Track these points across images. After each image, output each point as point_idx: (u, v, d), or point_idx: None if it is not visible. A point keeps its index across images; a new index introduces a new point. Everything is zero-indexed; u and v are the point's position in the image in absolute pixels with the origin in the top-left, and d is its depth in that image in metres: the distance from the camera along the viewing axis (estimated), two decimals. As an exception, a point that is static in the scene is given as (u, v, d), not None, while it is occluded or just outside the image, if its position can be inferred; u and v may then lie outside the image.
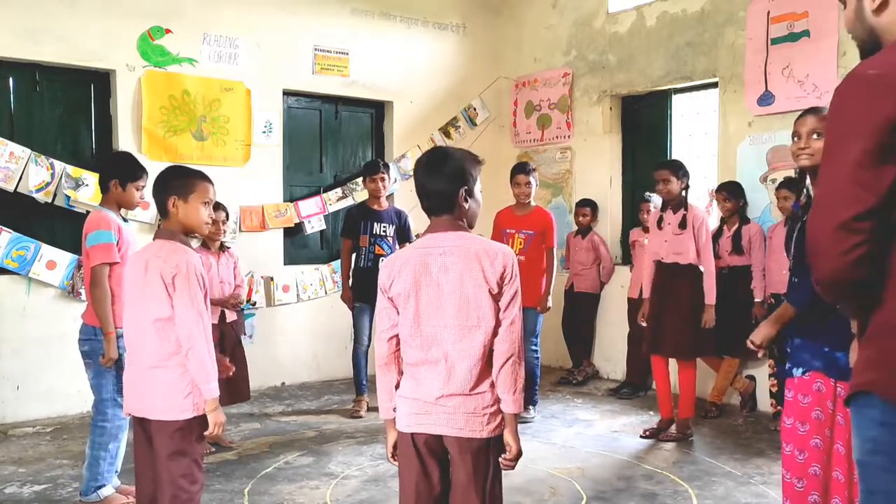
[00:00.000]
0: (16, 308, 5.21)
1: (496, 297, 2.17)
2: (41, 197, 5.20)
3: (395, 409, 2.26)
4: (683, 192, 4.76)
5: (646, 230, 6.01)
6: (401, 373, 2.27)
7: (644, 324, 4.88)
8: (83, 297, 5.32)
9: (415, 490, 2.21)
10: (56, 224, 5.42)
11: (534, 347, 5.15)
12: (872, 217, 1.52)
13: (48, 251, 5.24)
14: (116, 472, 3.66)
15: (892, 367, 1.56)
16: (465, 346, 2.16)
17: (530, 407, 5.22)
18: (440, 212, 2.24)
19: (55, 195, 5.25)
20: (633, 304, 5.99)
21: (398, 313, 2.23)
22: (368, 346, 5.33)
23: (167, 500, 2.56)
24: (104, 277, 3.44)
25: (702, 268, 4.70)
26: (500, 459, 2.22)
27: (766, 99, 5.46)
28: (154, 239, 2.69)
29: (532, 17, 7.35)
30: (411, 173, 6.85)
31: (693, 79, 6.02)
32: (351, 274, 5.46)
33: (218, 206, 4.17)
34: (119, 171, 3.57)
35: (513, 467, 2.23)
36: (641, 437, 4.85)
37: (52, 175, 5.23)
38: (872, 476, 1.62)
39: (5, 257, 5.11)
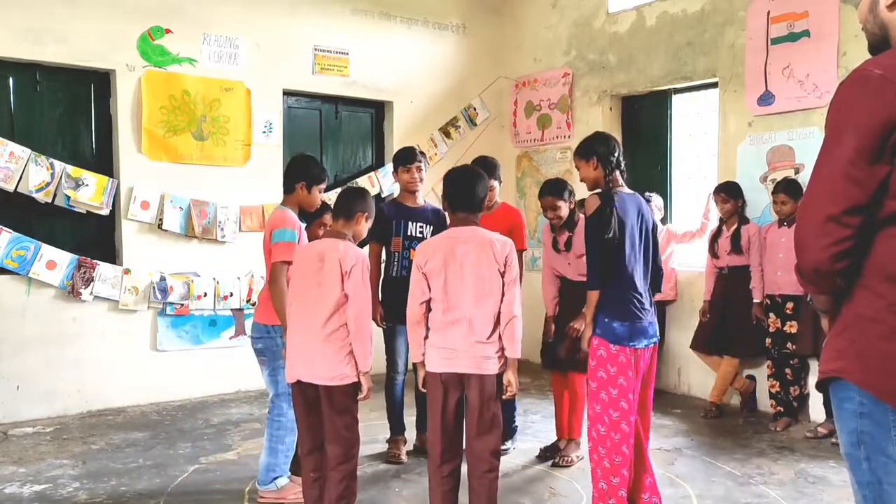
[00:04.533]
0: (16, 308, 5.21)
1: (502, 274, 2.99)
2: (41, 197, 5.20)
3: (423, 354, 3.07)
4: (570, 212, 4.31)
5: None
6: (428, 328, 3.06)
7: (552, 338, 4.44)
8: (83, 296, 5.35)
9: (441, 412, 3.03)
10: (56, 224, 5.42)
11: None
12: (861, 213, 1.56)
13: (48, 251, 5.24)
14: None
15: (862, 355, 1.62)
16: (480, 308, 2.98)
17: (507, 441, 4.52)
18: (467, 211, 3.08)
19: (55, 195, 5.25)
20: None
21: (429, 286, 3.02)
22: (406, 374, 4.50)
23: (337, 447, 3.10)
24: (283, 275, 3.51)
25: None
26: (504, 396, 3.04)
27: (766, 99, 5.46)
28: (324, 237, 3.27)
29: (532, 17, 7.35)
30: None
31: (693, 79, 6.02)
32: (380, 284, 4.52)
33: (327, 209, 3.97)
34: (307, 175, 3.70)
35: (514, 396, 3.12)
36: (537, 457, 4.43)
37: (52, 175, 5.23)
38: (859, 468, 1.66)
39: (5, 257, 5.11)
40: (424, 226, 4.42)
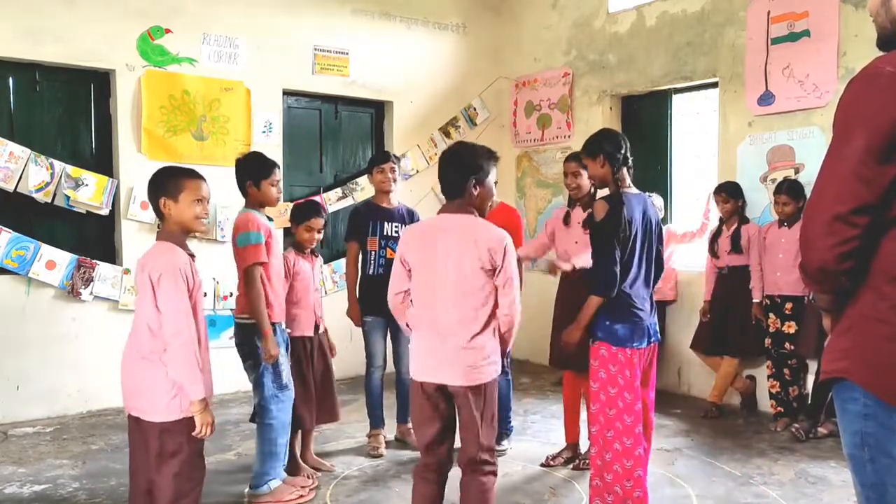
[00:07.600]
0: (16, 308, 5.21)
1: (490, 273, 2.65)
2: (41, 197, 5.20)
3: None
4: (593, 189, 4.24)
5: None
6: (407, 323, 2.81)
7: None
8: (83, 296, 5.35)
9: (424, 424, 2.73)
10: (56, 224, 5.42)
11: (504, 369, 3.80)
12: (869, 213, 1.53)
13: (48, 251, 5.24)
14: (284, 465, 3.76)
15: (867, 356, 1.60)
16: (459, 309, 2.65)
17: (503, 441, 4.51)
18: (453, 196, 2.73)
19: (55, 195, 5.25)
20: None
21: (409, 278, 2.73)
22: (385, 368, 4.63)
23: (164, 500, 2.58)
24: (257, 277, 3.49)
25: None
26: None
27: (766, 99, 5.46)
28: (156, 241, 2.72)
29: (532, 17, 7.35)
30: (412, 173, 6.92)
31: (693, 79, 6.02)
32: (358, 283, 4.62)
33: (318, 213, 4.01)
34: (250, 173, 3.64)
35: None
36: (542, 465, 4.29)
37: (52, 175, 5.23)
38: (863, 469, 1.64)
39: (5, 257, 5.11)
40: (400, 226, 4.58)
